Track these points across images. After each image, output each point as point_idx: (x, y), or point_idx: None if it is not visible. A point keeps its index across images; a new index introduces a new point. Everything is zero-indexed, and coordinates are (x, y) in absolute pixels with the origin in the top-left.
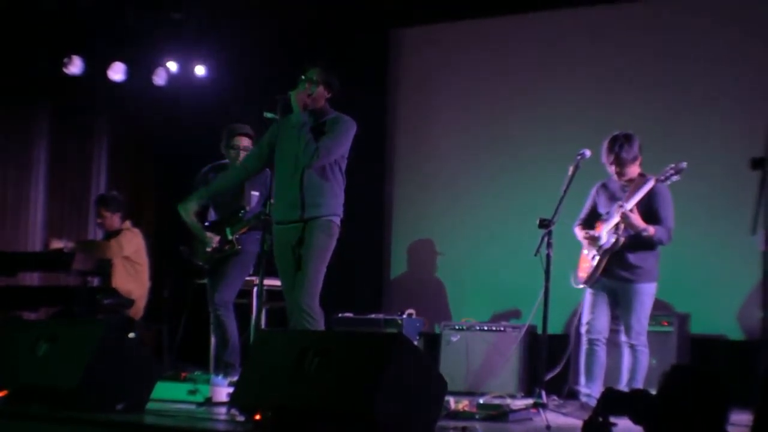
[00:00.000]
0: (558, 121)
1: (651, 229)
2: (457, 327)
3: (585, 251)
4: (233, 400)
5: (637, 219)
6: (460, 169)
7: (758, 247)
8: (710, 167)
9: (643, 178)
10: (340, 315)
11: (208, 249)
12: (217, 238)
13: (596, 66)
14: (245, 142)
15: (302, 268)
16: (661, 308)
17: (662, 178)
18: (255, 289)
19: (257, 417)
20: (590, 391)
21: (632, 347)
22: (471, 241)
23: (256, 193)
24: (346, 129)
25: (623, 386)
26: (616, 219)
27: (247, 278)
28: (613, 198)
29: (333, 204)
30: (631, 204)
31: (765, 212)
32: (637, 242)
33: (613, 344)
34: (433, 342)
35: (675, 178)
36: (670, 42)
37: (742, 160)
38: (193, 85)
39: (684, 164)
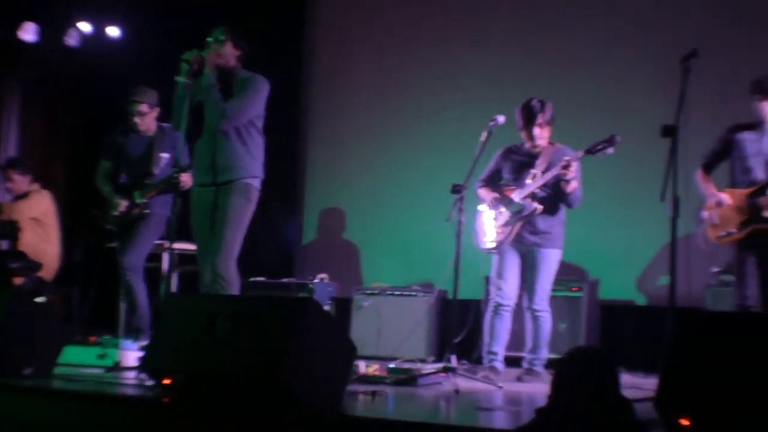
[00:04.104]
0: (473, 87)
1: (575, 183)
2: (368, 292)
3: (493, 215)
4: (142, 365)
5: (576, 169)
6: (374, 134)
7: (667, 213)
8: (620, 133)
9: (553, 146)
10: (252, 279)
11: (115, 213)
12: (125, 202)
13: (513, 32)
14: (140, 107)
15: (218, 232)
16: (571, 274)
17: (592, 150)
18: (166, 253)
19: (166, 381)
20: (496, 350)
21: (534, 313)
22: (384, 206)
23: (165, 155)
24: (257, 89)
25: (527, 352)
26: (531, 187)
27: (158, 242)
28: (522, 165)
29: (251, 166)
30: (552, 174)
31: (674, 179)
32: (547, 208)
33: (518, 309)
34: (345, 306)
35: (609, 150)
36: (585, 10)
37: (653, 127)
38: (107, 46)
39: (618, 138)
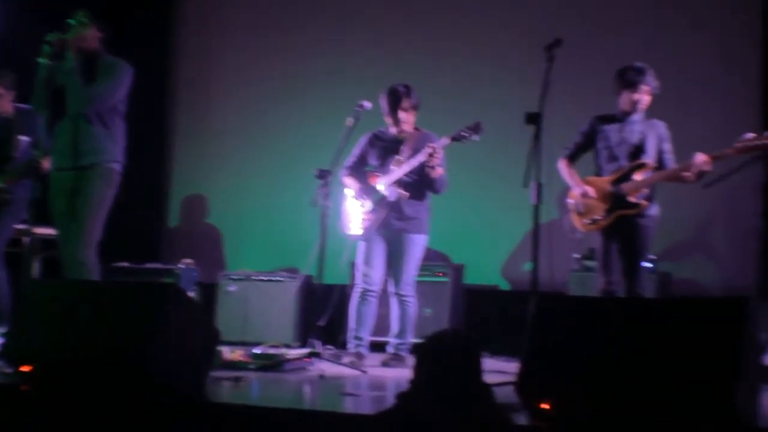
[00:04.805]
0: (339, 74)
1: (441, 169)
2: (234, 277)
3: (360, 202)
4: (1, 352)
5: (441, 155)
6: (242, 118)
7: (530, 200)
8: (485, 120)
9: (418, 132)
10: (115, 264)
11: None
12: None
13: (379, 19)
14: None
15: (78, 217)
16: (436, 259)
17: (457, 137)
18: (27, 238)
19: (26, 369)
20: (362, 335)
21: (400, 298)
22: (250, 192)
23: (25, 138)
24: (121, 74)
25: (392, 336)
26: (397, 174)
27: (20, 226)
28: (388, 151)
29: (113, 150)
30: (417, 160)
31: (537, 166)
32: (413, 194)
33: (382, 294)
34: (211, 292)
35: (475, 137)
36: None
37: (517, 114)
38: None
39: (483, 124)
